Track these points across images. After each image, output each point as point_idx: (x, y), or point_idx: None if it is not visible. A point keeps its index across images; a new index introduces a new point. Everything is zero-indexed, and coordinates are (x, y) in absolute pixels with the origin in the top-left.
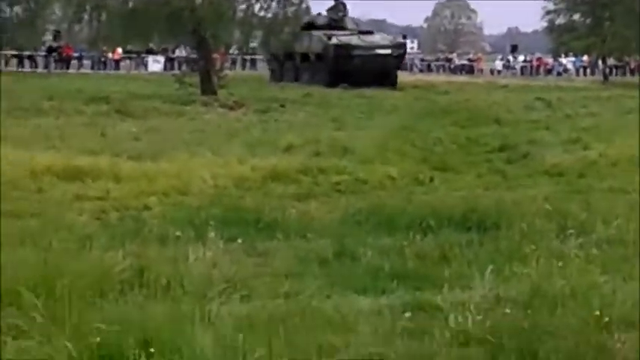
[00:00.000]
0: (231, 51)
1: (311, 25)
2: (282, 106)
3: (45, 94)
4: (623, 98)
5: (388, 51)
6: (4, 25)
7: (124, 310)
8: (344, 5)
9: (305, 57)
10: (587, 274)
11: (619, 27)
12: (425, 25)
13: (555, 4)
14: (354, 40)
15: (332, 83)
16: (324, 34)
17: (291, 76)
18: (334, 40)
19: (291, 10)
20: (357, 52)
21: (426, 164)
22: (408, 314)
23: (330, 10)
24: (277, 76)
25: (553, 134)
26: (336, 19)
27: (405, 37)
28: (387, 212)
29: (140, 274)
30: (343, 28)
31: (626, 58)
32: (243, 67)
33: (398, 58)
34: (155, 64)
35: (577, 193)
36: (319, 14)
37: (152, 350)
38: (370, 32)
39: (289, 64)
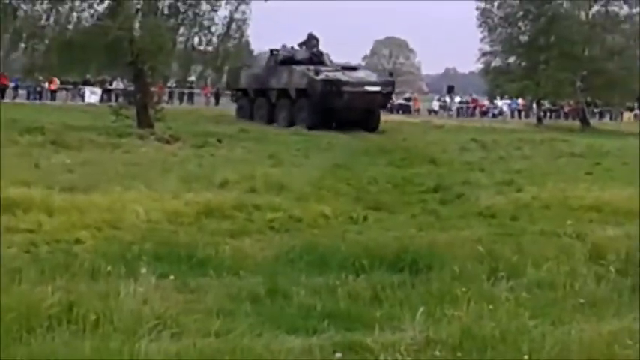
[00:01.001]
0: (169, 84)
1: (288, 60)
2: (219, 141)
3: None
4: (555, 142)
5: (378, 88)
6: None
7: (52, 346)
8: (317, 40)
9: (282, 93)
10: (517, 318)
11: (553, 71)
12: (363, 64)
13: (491, 46)
14: (342, 75)
15: (317, 123)
16: (308, 69)
17: (263, 113)
18: (322, 75)
19: (231, 44)
20: (346, 88)
21: (360, 203)
22: (338, 354)
23: (302, 44)
24: (246, 113)
25: (487, 176)
26: (317, 54)
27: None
28: (320, 251)
29: (69, 310)
30: (323, 63)
31: (560, 102)
32: (181, 100)
33: (386, 96)
34: (92, 95)
35: (509, 236)
36: (292, 48)
37: None
38: (354, 68)
39: (261, 101)
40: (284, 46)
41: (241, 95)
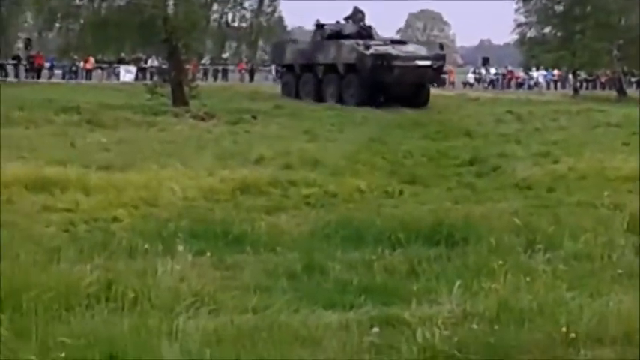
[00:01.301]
0: (203, 61)
1: (336, 34)
2: (254, 117)
3: (15, 104)
4: (592, 112)
5: (428, 62)
6: None
7: (91, 324)
8: (363, 13)
9: (330, 68)
10: (555, 290)
11: (589, 41)
12: (398, 37)
13: (526, 17)
14: (392, 50)
15: (368, 99)
16: (357, 43)
17: (310, 89)
18: (372, 50)
19: (264, 20)
20: (396, 62)
21: (395, 177)
22: (375, 329)
23: (347, 18)
24: (291, 90)
25: (523, 148)
26: (366, 28)
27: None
28: (356, 226)
29: (108, 288)
30: (372, 37)
31: (596, 72)
32: (215, 78)
33: (437, 70)
34: (127, 74)
35: (545, 208)
36: (338, 22)
37: None
38: (404, 42)
39: (308, 77)
40: (318, 22)
41: (286, 71)
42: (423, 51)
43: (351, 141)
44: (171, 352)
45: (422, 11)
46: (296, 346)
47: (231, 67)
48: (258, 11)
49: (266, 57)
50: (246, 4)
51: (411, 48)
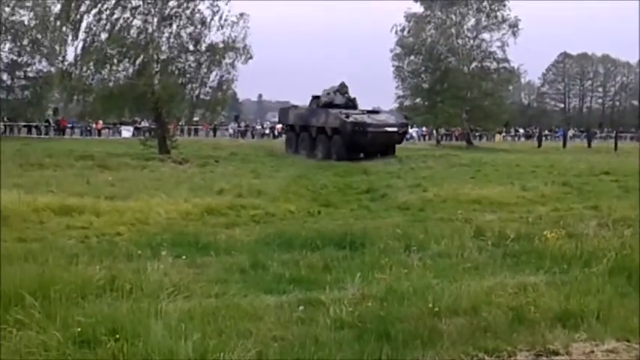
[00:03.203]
0: (180, 122)
1: (329, 104)
2: (217, 161)
3: (46, 154)
4: (449, 156)
5: (395, 128)
6: (18, 103)
7: (99, 307)
8: (347, 87)
9: (321, 130)
10: (425, 278)
11: (447, 107)
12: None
13: (403, 91)
14: (367, 118)
15: (348, 155)
16: (341, 112)
17: (306, 145)
18: (351, 118)
19: (222, 94)
20: (370, 129)
21: (315, 202)
22: (301, 307)
23: (336, 91)
24: (292, 145)
25: (403, 181)
26: (352, 100)
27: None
28: (287, 236)
29: (112, 282)
30: (355, 107)
31: (452, 129)
32: (189, 134)
33: (402, 134)
34: (126, 131)
35: (418, 222)
36: (328, 93)
37: (118, 336)
38: (377, 111)
39: (304, 135)
40: (260, 96)
41: (289, 130)
42: (391, 119)
43: (284, 177)
44: (157, 327)
45: (331, 87)
46: (245, 320)
47: (199, 127)
48: (217, 88)
49: (224, 119)
50: (208, 84)
51: (382, 117)
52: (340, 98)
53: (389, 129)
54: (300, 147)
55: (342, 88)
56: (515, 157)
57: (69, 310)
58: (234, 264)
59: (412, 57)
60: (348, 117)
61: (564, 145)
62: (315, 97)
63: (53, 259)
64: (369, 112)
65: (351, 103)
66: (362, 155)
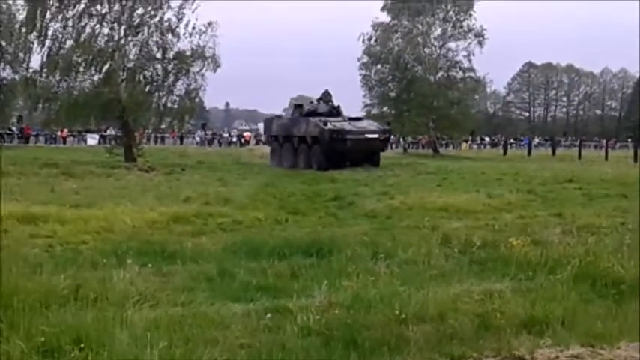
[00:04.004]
0: (147, 130)
1: (312, 113)
2: (183, 169)
3: (10, 162)
4: (416, 164)
5: (376, 135)
6: None
7: (63, 317)
8: (330, 95)
9: (301, 140)
10: (391, 285)
11: (413, 116)
12: (284, 113)
13: (371, 100)
14: (347, 125)
15: (327, 164)
16: (320, 120)
17: (288, 156)
18: (330, 126)
19: (189, 102)
20: (349, 136)
21: (283, 210)
22: (268, 315)
23: (319, 99)
24: (276, 156)
25: (370, 189)
26: (336, 107)
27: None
28: (255, 244)
29: (76, 291)
30: (340, 115)
31: (419, 137)
32: (155, 142)
33: (384, 141)
34: (92, 139)
35: (385, 230)
36: (311, 102)
37: (82, 346)
38: (360, 119)
39: (287, 146)
40: (227, 104)
41: (273, 141)
42: (373, 126)
43: (252, 185)
44: (122, 336)
45: (299, 96)
46: (212, 328)
47: (166, 135)
48: (185, 96)
49: (191, 128)
50: (176, 92)
51: (364, 124)
52: (324, 106)
53: (369, 136)
54: (282, 159)
55: (326, 96)
56: (481, 165)
57: (33, 320)
58: (200, 272)
59: (379, 66)
60: (326, 124)
61: (529, 153)
62: (298, 106)
63: (17, 268)
64: (350, 119)
65: (335, 111)
66: (347, 164)
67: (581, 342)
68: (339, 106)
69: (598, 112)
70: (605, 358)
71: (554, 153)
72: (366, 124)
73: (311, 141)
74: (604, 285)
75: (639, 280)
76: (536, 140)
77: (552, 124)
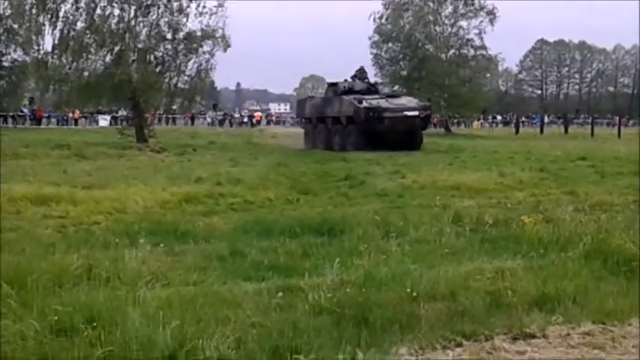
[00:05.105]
0: (159, 111)
1: (349, 91)
2: (194, 150)
3: (22, 143)
4: (427, 143)
5: (416, 113)
6: None
7: (76, 296)
8: (366, 72)
9: (336, 120)
10: (403, 264)
11: (425, 94)
12: (294, 93)
13: (382, 79)
14: (383, 102)
15: (364, 145)
16: (354, 98)
17: (323, 138)
18: (364, 104)
19: (200, 82)
20: (386, 114)
21: (294, 189)
22: (280, 294)
23: (354, 77)
24: (310, 138)
25: (381, 168)
26: (373, 84)
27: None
28: (266, 223)
29: (89, 270)
30: (377, 93)
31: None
32: (167, 123)
33: (424, 119)
34: (103, 121)
35: (397, 208)
36: (349, 80)
37: (95, 324)
38: (397, 95)
39: (321, 127)
40: (238, 84)
41: (307, 123)
42: (413, 103)
43: (263, 165)
44: (134, 315)
45: (311, 76)
46: (224, 307)
47: (178, 116)
48: (195, 77)
49: (202, 108)
50: (186, 72)
51: (402, 100)
52: (360, 84)
53: (409, 113)
54: (317, 140)
55: (362, 73)
56: (492, 144)
57: (46, 299)
58: (212, 252)
59: (390, 44)
60: (361, 102)
61: (541, 131)
62: (332, 85)
63: (30, 248)
64: (387, 95)
65: (373, 89)
66: (385, 147)
67: (593, 319)
68: (376, 83)
69: (611, 89)
70: (616, 335)
71: (566, 131)
72: (405, 101)
73: (346, 121)
74: (615, 262)
75: None
76: (549, 118)
77: (565, 102)
